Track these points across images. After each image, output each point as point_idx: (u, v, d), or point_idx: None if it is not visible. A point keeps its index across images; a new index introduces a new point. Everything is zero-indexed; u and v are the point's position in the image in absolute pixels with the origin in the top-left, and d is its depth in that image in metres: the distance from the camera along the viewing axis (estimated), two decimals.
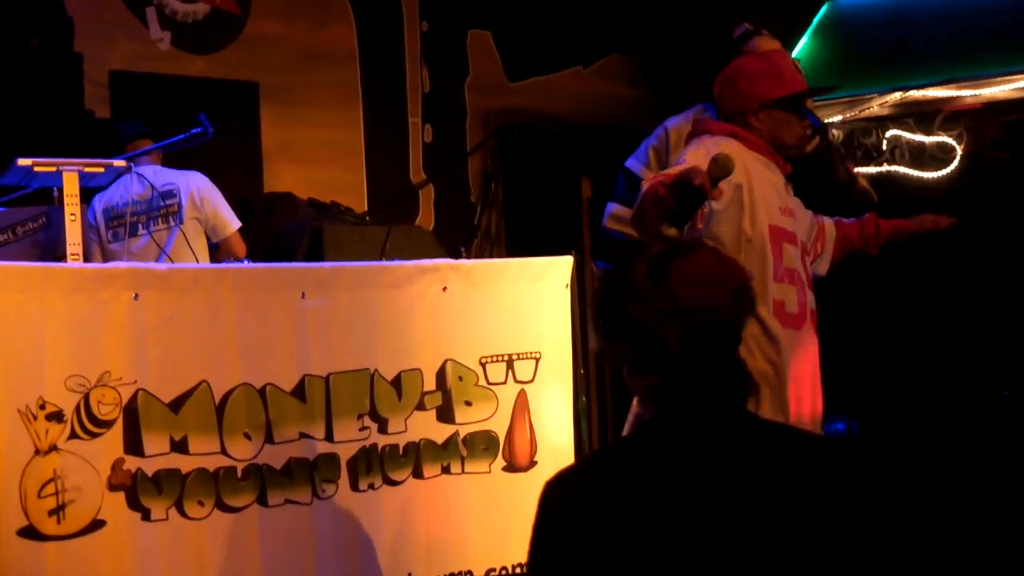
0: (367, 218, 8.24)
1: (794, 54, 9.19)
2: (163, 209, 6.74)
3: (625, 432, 4.52)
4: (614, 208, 5.73)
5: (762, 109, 4.54)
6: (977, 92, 8.17)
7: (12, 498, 4.31)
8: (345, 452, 4.99)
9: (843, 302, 8.35)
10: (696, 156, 4.21)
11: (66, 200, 5.45)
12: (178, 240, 6.68)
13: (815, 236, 4.88)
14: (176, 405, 4.66)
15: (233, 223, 6.95)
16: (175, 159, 7.00)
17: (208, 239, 6.92)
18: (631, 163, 5.63)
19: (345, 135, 8.70)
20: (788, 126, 4.60)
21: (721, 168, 3.70)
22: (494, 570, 5.43)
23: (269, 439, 4.86)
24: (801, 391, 4.40)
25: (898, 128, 8.47)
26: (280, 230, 7.43)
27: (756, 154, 4.51)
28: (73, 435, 4.43)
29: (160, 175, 6.86)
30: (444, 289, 5.30)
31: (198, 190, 6.86)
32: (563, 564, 2.44)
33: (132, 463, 4.55)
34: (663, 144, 5.59)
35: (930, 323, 8.27)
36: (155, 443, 4.60)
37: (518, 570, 5.47)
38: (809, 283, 4.56)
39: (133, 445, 4.56)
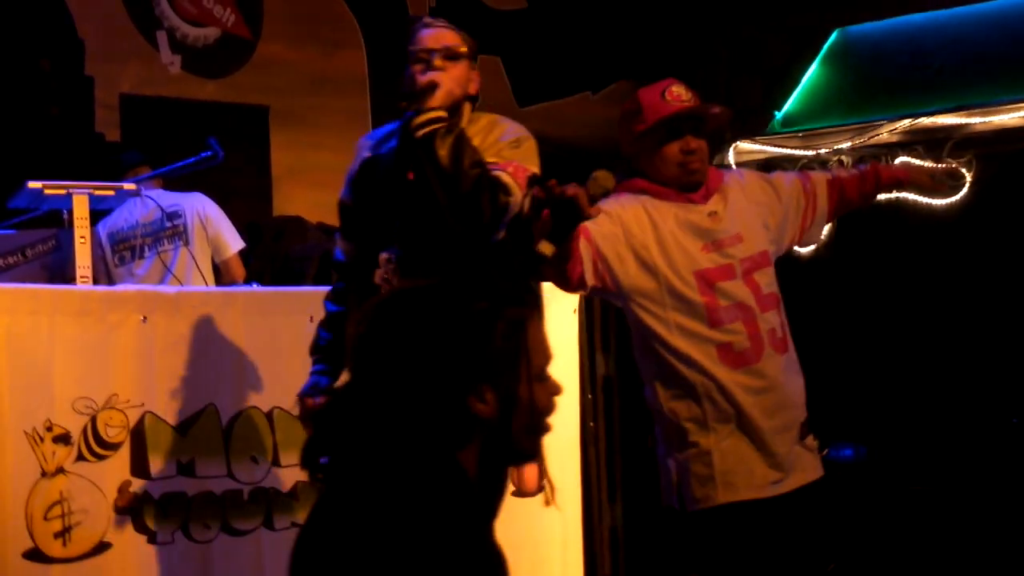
0: None
1: (803, 81, 9.21)
2: (169, 229, 6.75)
3: None
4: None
5: (639, 155, 4.38)
6: (987, 119, 8.16)
7: (18, 520, 4.32)
8: None
9: (852, 328, 8.36)
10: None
11: (76, 223, 5.46)
12: (184, 260, 6.69)
13: (805, 206, 4.69)
14: (183, 428, 4.67)
15: (234, 245, 6.96)
16: (184, 183, 7.02)
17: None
18: None
19: None
20: (663, 160, 4.34)
21: (599, 187, 3.67)
22: None
23: (276, 462, 4.87)
24: (775, 420, 4.33)
25: (908, 155, 8.47)
26: (289, 254, 7.44)
27: (666, 202, 4.31)
28: (80, 457, 4.44)
29: (165, 197, 6.88)
30: None
31: (203, 210, 6.88)
32: None
33: (139, 485, 4.56)
34: None
35: (939, 349, 8.26)
36: (162, 466, 4.61)
37: None
38: (767, 304, 4.32)
39: (140, 467, 4.57)
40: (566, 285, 4.16)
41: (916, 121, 8.27)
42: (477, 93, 4.47)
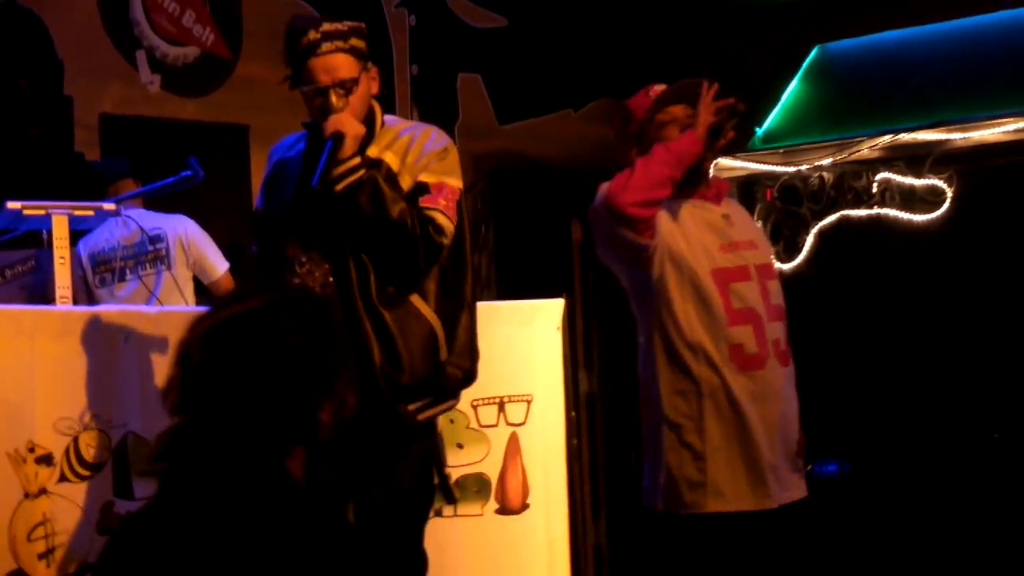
0: None
1: (784, 97, 9.23)
2: (151, 254, 6.73)
3: None
4: None
5: (642, 149, 4.39)
6: (967, 135, 8.18)
7: (1, 541, 4.29)
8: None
9: (834, 344, 8.36)
10: None
11: (55, 243, 5.43)
12: (167, 284, 6.66)
13: None
14: None
15: (220, 266, 6.93)
16: (164, 202, 6.99)
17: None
18: None
19: None
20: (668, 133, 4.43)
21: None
22: None
23: None
24: (771, 433, 4.33)
25: (888, 171, 8.49)
26: None
27: (681, 198, 4.36)
28: (63, 478, 4.42)
29: (146, 219, 6.83)
30: None
31: (185, 234, 6.85)
32: None
33: (122, 506, 4.53)
34: None
35: (921, 364, 8.27)
36: (145, 486, 4.58)
37: None
38: (774, 314, 4.39)
39: (123, 488, 4.54)
40: (646, 229, 4.21)
41: (896, 137, 8.29)
42: (379, 91, 4.42)
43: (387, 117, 4.46)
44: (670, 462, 4.28)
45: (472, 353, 4.42)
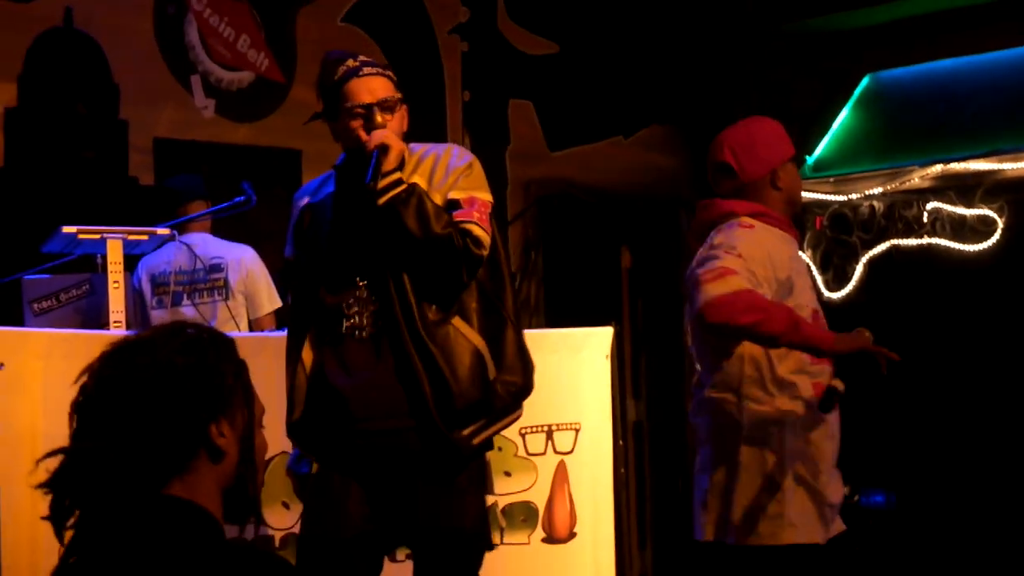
0: None
1: (834, 126, 9.22)
2: (208, 283, 6.69)
3: None
4: None
5: (782, 168, 4.46)
6: (1019, 165, 8.16)
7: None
8: None
9: (885, 373, 8.33)
10: (752, 251, 4.23)
11: (110, 268, 5.49)
12: (223, 315, 6.62)
13: None
14: None
15: (269, 305, 6.86)
16: (218, 225, 7.02)
17: None
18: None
19: None
20: (798, 180, 4.57)
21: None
22: None
23: None
24: (834, 475, 4.39)
25: (939, 200, 8.47)
26: None
27: (779, 231, 4.41)
28: None
29: (209, 246, 6.79)
30: None
31: (245, 266, 6.81)
32: None
33: None
34: None
35: (971, 395, 8.23)
36: None
37: None
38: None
39: None
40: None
41: (947, 166, 8.28)
42: (407, 127, 4.40)
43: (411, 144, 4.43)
44: (746, 495, 4.30)
45: (525, 366, 4.36)
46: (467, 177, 4.30)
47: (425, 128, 8.76)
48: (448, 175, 4.28)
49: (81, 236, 5.54)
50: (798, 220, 8.00)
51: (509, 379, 4.31)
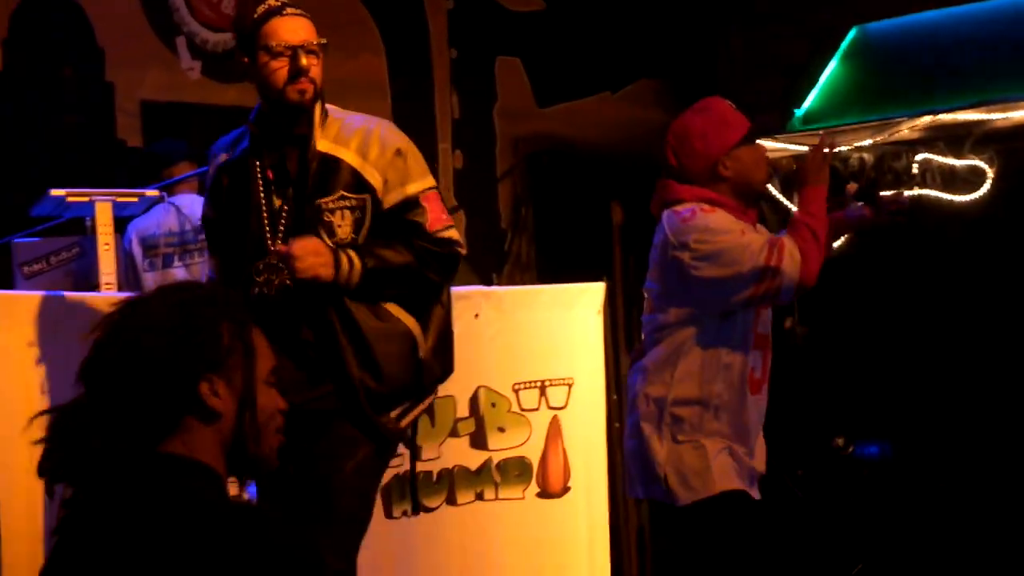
0: None
1: (822, 79, 9.20)
2: (198, 244, 6.69)
3: None
4: None
5: (727, 156, 4.39)
6: (1008, 115, 8.14)
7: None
8: None
9: (874, 325, 8.34)
10: (736, 229, 4.25)
11: (99, 230, 5.47)
12: None
13: None
14: None
15: None
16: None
17: None
18: None
19: None
20: (756, 163, 4.47)
21: None
22: None
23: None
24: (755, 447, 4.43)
25: (928, 152, 8.45)
26: None
27: (732, 218, 4.39)
28: None
29: (197, 207, 6.79)
30: (476, 316, 5.32)
31: None
32: None
33: None
34: None
35: (962, 346, 8.24)
36: None
37: None
38: (770, 343, 4.52)
39: None
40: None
41: (937, 117, 8.25)
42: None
43: (327, 107, 4.27)
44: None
45: (447, 348, 4.32)
46: (416, 166, 4.23)
47: (412, 85, 8.75)
48: (384, 153, 4.17)
49: (70, 199, 5.52)
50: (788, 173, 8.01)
51: (436, 360, 4.26)
